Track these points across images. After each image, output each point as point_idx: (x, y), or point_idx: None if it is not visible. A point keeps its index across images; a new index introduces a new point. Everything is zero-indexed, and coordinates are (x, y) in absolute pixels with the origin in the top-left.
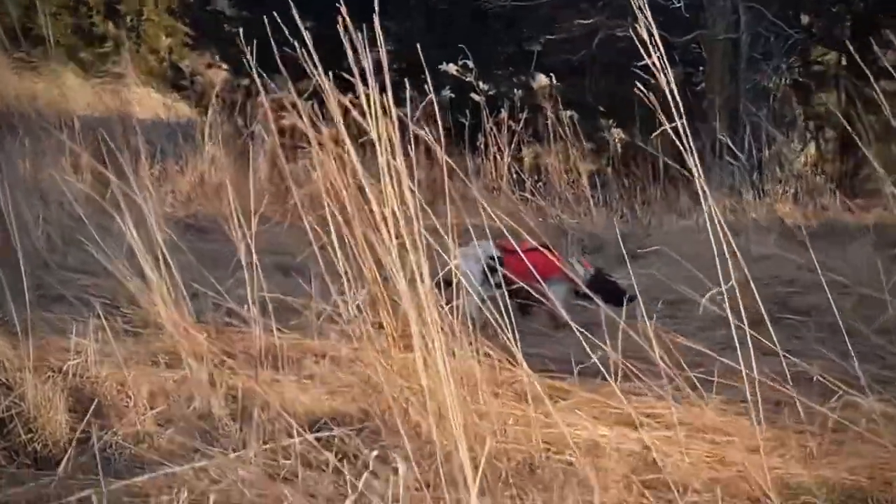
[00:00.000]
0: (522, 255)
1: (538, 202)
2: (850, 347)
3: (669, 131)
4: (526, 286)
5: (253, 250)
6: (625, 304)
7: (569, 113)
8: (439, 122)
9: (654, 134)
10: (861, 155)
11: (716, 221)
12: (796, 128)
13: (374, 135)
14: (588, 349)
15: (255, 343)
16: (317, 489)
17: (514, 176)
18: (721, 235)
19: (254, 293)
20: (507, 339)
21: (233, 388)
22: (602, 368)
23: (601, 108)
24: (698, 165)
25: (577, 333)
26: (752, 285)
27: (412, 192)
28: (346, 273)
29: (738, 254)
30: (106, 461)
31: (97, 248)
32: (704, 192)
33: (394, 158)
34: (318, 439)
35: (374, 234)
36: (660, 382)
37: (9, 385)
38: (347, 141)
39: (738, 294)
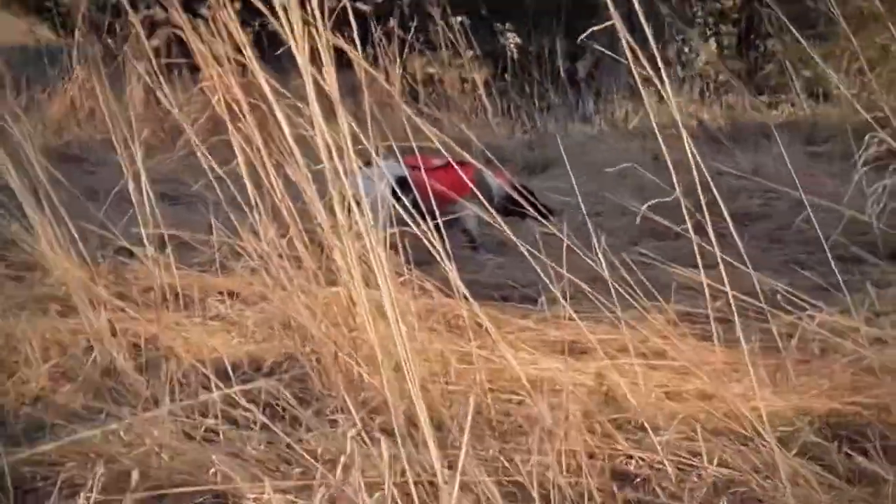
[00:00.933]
0: (431, 172)
1: (434, 114)
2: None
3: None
4: (437, 207)
5: (144, 180)
6: (548, 219)
7: (459, 19)
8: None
9: (583, 36)
10: (763, 50)
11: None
12: (695, 25)
13: (293, 43)
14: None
15: (155, 284)
16: (246, 450)
17: (407, 88)
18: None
19: (148, 228)
20: (443, 265)
21: (134, 336)
22: (543, 293)
23: (492, 12)
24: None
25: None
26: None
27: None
28: (255, 203)
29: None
30: None
31: None
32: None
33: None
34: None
35: (288, 159)
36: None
37: None
38: (249, 52)
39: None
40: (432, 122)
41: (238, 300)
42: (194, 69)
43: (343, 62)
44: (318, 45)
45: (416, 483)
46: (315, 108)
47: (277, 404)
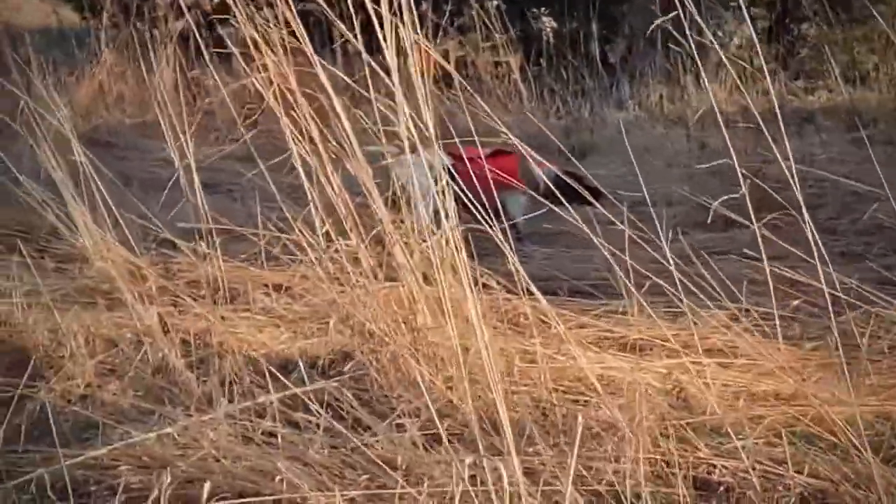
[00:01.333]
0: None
1: (469, 100)
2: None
3: None
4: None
5: (194, 168)
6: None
7: (494, 2)
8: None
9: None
10: (797, 34)
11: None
12: (728, 8)
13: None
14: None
15: (202, 277)
16: (308, 455)
17: (440, 72)
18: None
19: (194, 220)
20: (510, 260)
21: (184, 332)
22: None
23: None
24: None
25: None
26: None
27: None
28: (311, 195)
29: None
30: (45, 425)
31: (3, 174)
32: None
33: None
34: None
35: (345, 150)
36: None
37: None
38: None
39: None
40: (466, 108)
41: (286, 294)
42: (224, 55)
43: (373, 48)
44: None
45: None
46: (400, 98)
47: (339, 406)
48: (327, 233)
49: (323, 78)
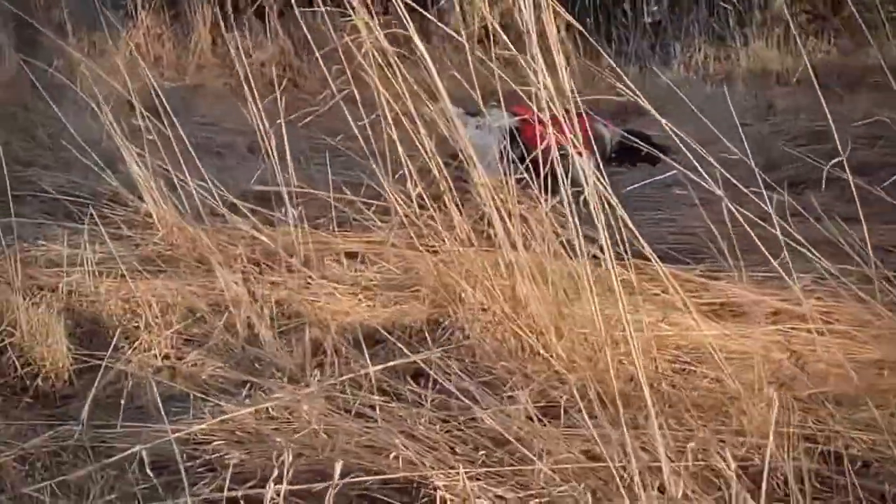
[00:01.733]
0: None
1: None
2: None
3: None
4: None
5: (269, 134)
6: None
7: None
8: None
9: None
10: None
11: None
12: None
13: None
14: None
15: (278, 244)
16: (416, 429)
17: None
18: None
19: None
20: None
21: (263, 301)
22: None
23: None
24: None
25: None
26: None
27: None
28: (405, 159)
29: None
30: (126, 397)
31: (48, 136)
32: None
33: None
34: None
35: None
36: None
37: None
38: None
39: None
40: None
41: (367, 262)
42: (260, 14)
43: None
44: None
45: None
46: (539, 61)
47: (439, 377)
48: (420, 198)
49: (415, 37)
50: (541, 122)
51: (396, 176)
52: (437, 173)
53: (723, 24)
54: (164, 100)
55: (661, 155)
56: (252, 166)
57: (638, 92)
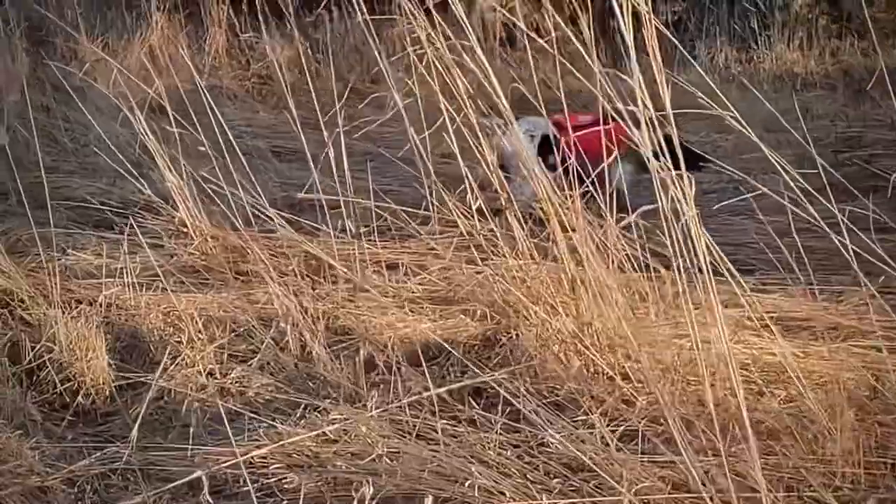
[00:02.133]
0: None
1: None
2: None
3: None
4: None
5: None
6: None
7: None
8: None
9: None
10: None
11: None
12: None
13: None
14: None
15: (327, 254)
16: (486, 454)
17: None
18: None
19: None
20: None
21: (311, 314)
22: None
23: None
24: None
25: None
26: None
27: None
28: (466, 172)
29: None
30: (171, 416)
31: (71, 141)
32: None
33: None
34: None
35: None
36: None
37: (28, 321)
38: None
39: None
40: (524, 69)
41: (409, 273)
42: (279, 15)
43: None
44: None
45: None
46: (638, 77)
47: (498, 397)
48: (479, 209)
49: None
50: (578, 128)
51: (458, 191)
52: (497, 186)
53: (743, 25)
54: (177, 103)
55: (705, 161)
56: (282, 171)
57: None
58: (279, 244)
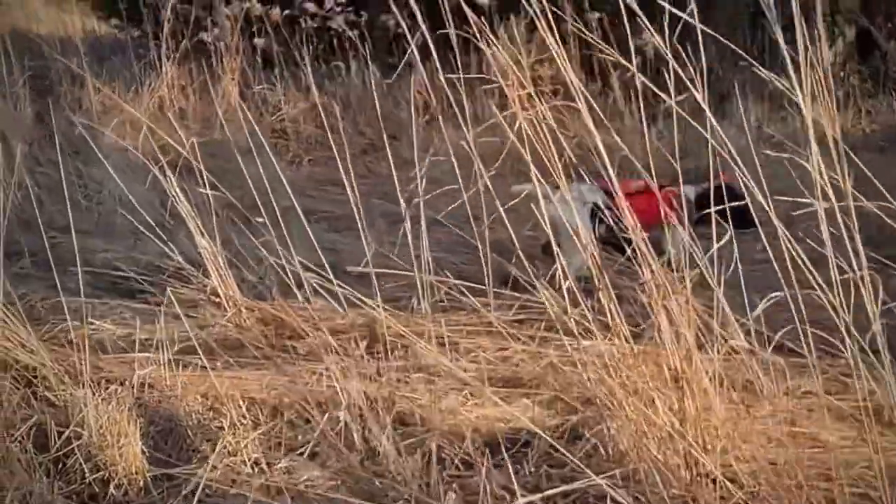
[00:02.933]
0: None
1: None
2: None
3: None
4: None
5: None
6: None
7: (597, 15)
8: None
9: None
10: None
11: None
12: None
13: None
14: None
15: (378, 329)
16: None
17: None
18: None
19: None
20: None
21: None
22: None
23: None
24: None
25: None
26: None
27: None
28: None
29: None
30: None
31: (86, 199)
32: None
33: None
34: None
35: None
36: None
37: (53, 403)
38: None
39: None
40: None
41: (460, 351)
42: (294, 64)
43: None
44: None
45: None
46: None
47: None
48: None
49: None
50: (629, 195)
51: (552, 272)
52: (592, 265)
53: (770, 83)
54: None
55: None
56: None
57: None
58: (325, 317)
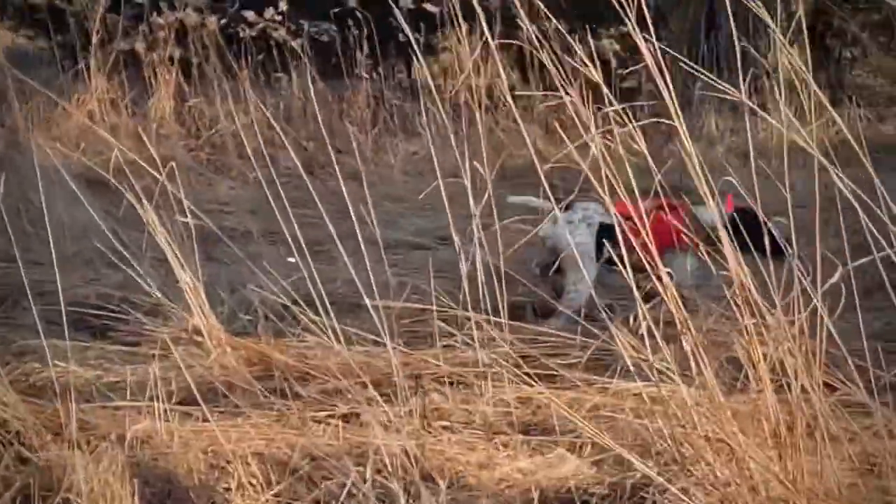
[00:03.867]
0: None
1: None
2: None
3: None
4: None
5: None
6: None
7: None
8: None
9: None
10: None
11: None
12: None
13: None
14: None
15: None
16: None
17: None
18: None
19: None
20: None
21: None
22: None
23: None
24: None
25: None
26: None
27: None
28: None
29: None
30: None
31: (31, 225)
32: None
33: None
34: None
35: None
36: None
37: (35, 463)
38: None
39: None
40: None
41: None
42: (232, 76)
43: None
44: None
45: None
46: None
47: None
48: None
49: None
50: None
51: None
52: (667, 299)
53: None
54: (125, 176)
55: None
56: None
57: None
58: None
